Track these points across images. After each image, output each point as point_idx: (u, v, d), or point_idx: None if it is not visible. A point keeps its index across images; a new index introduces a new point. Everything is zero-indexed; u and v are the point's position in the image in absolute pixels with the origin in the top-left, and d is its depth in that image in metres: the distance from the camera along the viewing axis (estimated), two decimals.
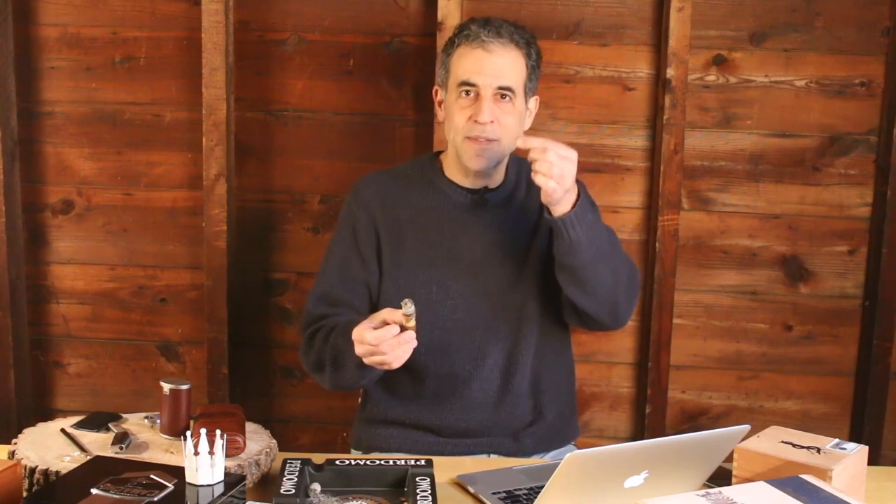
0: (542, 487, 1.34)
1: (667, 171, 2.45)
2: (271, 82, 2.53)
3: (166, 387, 1.62)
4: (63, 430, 1.63)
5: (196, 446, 1.35)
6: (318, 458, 1.57)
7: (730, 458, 1.50)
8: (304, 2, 2.49)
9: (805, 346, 2.57)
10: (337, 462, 1.55)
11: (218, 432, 1.38)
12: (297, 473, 1.49)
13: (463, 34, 1.86)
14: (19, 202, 2.55)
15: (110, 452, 1.53)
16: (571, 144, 2.53)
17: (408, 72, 2.50)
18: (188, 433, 1.38)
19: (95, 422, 1.66)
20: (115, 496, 1.31)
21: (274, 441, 1.65)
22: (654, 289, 2.49)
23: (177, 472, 1.38)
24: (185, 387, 1.63)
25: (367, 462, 1.56)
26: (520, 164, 1.98)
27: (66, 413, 2.33)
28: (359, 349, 1.67)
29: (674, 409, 2.59)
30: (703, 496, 1.31)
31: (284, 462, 1.53)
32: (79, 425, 1.66)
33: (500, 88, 1.81)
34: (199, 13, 2.42)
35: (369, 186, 1.96)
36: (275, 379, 2.65)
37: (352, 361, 1.74)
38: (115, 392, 2.66)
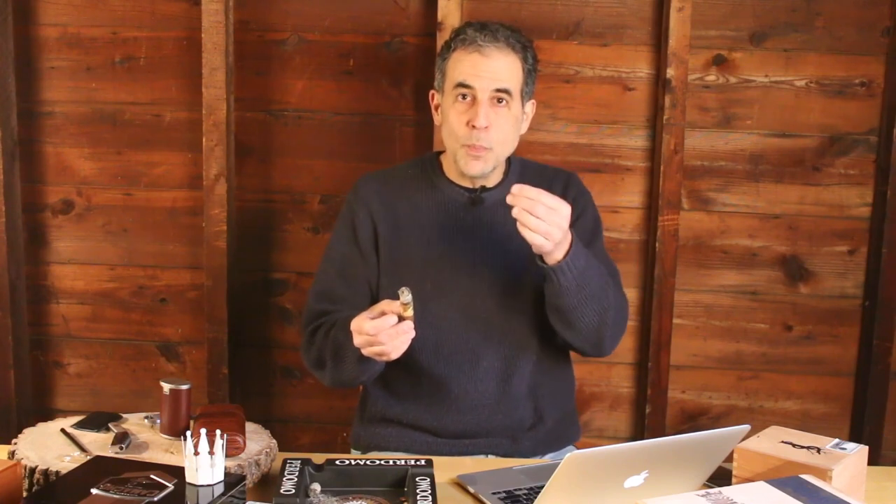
0: (542, 487, 1.34)
1: (667, 171, 2.45)
2: (271, 82, 2.53)
3: (166, 387, 1.62)
4: (63, 430, 1.63)
5: (196, 446, 1.35)
6: (318, 458, 1.57)
7: (730, 458, 1.50)
8: (304, 2, 2.49)
9: (805, 346, 2.57)
10: (337, 462, 1.55)
11: (218, 432, 1.38)
12: (297, 473, 1.49)
13: (459, 38, 1.85)
14: (19, 202, 2.55)
15: (110, 452, 1.53)
16: (571, 144, 2.56)
17: (408, 72, 2.50)
18: (188, 433, 1.37)
19: (95, 422, 1.66)
20: (115, 496, 1.31)
21: (274, 441, 1.65)
22: (654, 289, 2.49)
23: (177, 472, 1.38)
24: (185, 387, 1.63)
25: (367, 462, 1.56)
26: (523, 165, 1.98)
27: (66, 413, 2.33)
28: (357, 340, 1.67)
29: (674, 409, 2.59)
30: (703, 496, 1.31)
31: (284, 462, 1.53)
32: (79, 425, 1.66)
33: (497, 91, 1.81)
34: (199, 13, 2.42)
35: (368, 184, 1.97)
36: (275, 379, 2.65)
37: (352, 355, 1.74)
38: (115, 392, 2.66)
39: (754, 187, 2.51)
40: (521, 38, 1.86)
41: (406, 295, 1.61)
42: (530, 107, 1.92)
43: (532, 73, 1.88)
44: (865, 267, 2.53)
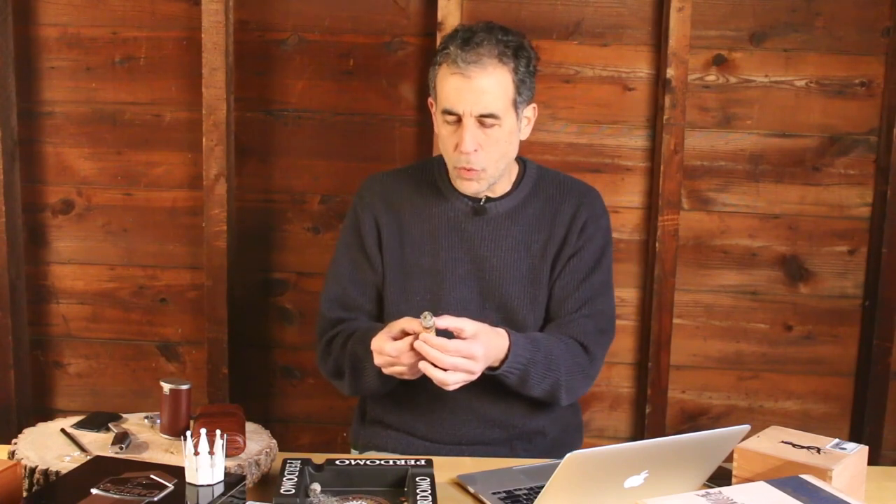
0: (542, 487, 1.34)
1: (667, 171, 2.45)
2: (271, 82, 2.53)
3: (166, 387, 1.62)
4: (63, 430, 1.63)
5: (196, 446, 1.35)
6: (318, 458, 1.57)
7: (730, 458, 1.50)
8: (304, 2, 2.49)
9: (805, 346, 2.57)
10: (337, 462, 1.55)
11: (218, 432, 1.38)
12: (297, 473, 1.49)
13: (444, 52, 1.77)
14: (19, 202, 2.55)
15: (110, 452, 1.53)
16: (571, 144, 2.56)
17: (408, 72, 2.50)
18: (188, 433, 1.37)
19: (95, 422, 1.66)
20: (115, 496, 1.31)
21: (274, 441, 1.65)
22: (654, 289, 2.49)
23: (177, 472, 1.38)
24: (185, 387, 1.63)
25: (367, 462, 1.56)
26: (539, 173, 1.93)
27: (66, 413, 2.33)
28: (378, 359, 1.69)
29: (674, 409, 2.59)
30: (703, 496, 1.31)
31: (284, 462, 1.53)
32: (79, 425, 1.66)
33: (482, 116, 1.74)
34: (199, 13, 2.42)
35: (372, 187, 1.95)
36: (275, 379, 2.65)
37: (371, 370, 1.75)
38: (115, 392, 2.66)
39: (754, 187, 2.51)
40: (513, 43, 1.76)
41: (429, 319, 1.62)
42: (531, 111, 1.84)
43: (527, 79, 1.78)
44: (865, 267, 2.53)
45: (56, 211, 2.60)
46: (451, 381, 1.65)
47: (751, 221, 2.53)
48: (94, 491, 1.32)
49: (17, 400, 2.56)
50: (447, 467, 1.66)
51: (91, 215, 2.59)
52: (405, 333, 1.67)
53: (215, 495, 1.34)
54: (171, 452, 1.57)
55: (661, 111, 2.45)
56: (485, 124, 1.75)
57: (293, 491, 1.43)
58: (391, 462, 1.57)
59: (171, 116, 2.54)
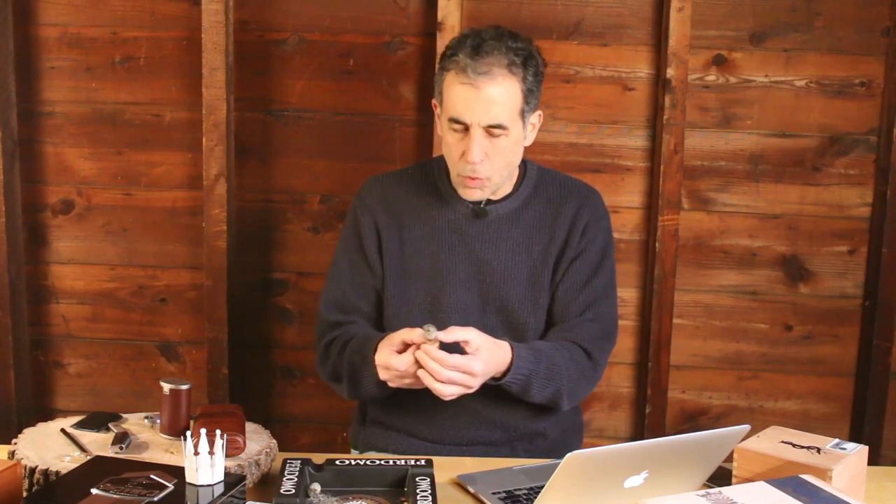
0: (542, 487, 1.34)
1: (667, 171, 2.45)
2: (271, 82, 2.53)
3: (166, 387, 1.62)
4: (63, 430, 1.63)
5: (196, 446, 1.35)
6: (318, 458, 1.57)
7: (730, 458, 1.50)
8: (304, 2, 2.49)
9: (805, 346, 2.57)
10: (337, 462, 1.55)
11: (218, 432, 1.38)
12: (297, 473, 1.49)
13: (452, 59, 1.74)
14: (19, 202, 2.55)
15: (110, 452, 1.53)
16: (571, 144, 2.56)
17: (408, 72, 2.50)
18: (188, 433, 1.37)
19: (95, 422, 1.66)
20: (115, 496, 1.31)
21: (274, 441, 1.65)
22: (654, 289, 2.49)
23: (177, 472, 1.38)
24: (185, 387, 1.63)
25: (367, 462, 1.56)
26: (540, 175, 1.92)
27: (66, 413, 2.33)
28: (384, 374, 1.70)
29: (674, 409, 2.59)
30: (703, 496, 1.31)
31: (284, 462, 1.53)
32: (79, 425, 1.65)
33: (490, 126, 1.73)
34: (199, 13, 2.42)
35: (372, 190, 1.93)
36: (275, 379, 2.65)
37: (369, 379, 1.76)
38: (115, 392, 2.66)
39: (754, 187, 2.51)
40: (523, 52, 1.74)
41: (431, 331, 1.63)
42: (536, 117, 1.83)
43: (534, 89, 1.77)
44: (865, 267, 2.53)
45: (56, 211, 2.60)
46: (448, 392, 1.66)
47: (751, 221, 2.53)
48: (94, 491, 1.32)
49: (17, 400, 2.56)
50: (447, 467, 1.66)
51: (91, 215, 2.59)
52: (405, 344, 1.68)
53: (215, 495, 1.34)
54: (171, 452, 1.57)
55: (661, 111, 2.45)
56: (492, 134, 1.74)
57: (293, 491, 1.43)
58: (391, 462, 1.57)
59: (171, 116, 2.54)
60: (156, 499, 1.31)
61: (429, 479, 1.50)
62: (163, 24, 2.51)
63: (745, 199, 2.52)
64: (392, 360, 1.67)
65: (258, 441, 1.63)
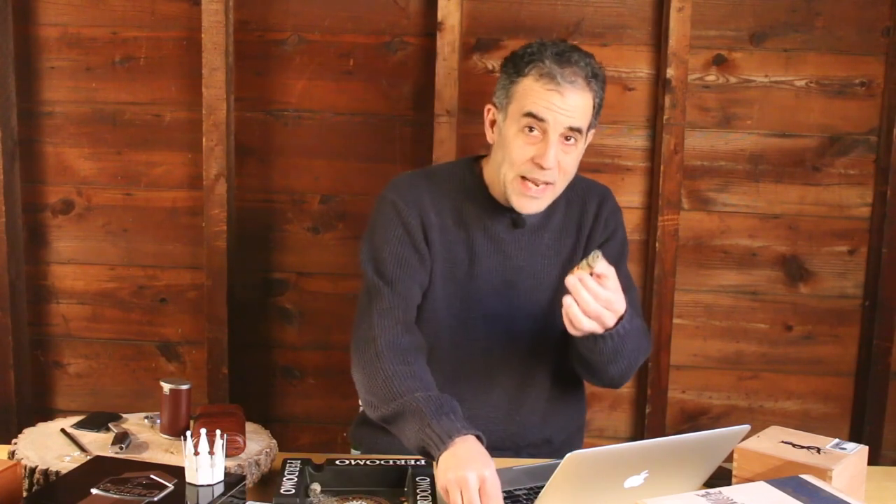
0: (542, 487, 1.34)
1: (667, 171, 2.45)
2: (271, 82, 2.53)
3: (166, 387, 1.62)
4: (63, 430, 1.63)
5: (196, 446, 1.35)
6: (318, 458, 1.57)
7: (730, 458, 1.50)
8: (304, 2, 2.49)
9: (805, 346, 2.57)
10: (337, 462, 1.55)
11: (218, 432, 1.38)
12: (297, 473, 1.49)
13: (534, 64, 1.72)
14: (19, 202, 2.55)
15: (110, 452, 1.53)
16: None
17: (408, 72, 2.50)
18: (188, 433, 1.38)
19: (95, 422, 1.66)
20: (115, 496, 1.31)
21: (274, 441, 1.65)
22: (654, 289, 2.49)
23: (177, 472, 1.38)
24: (185, 387, 1.63)
25: (367, 462, 1.56)
26: None
27: (66, 413, 2.32)
28: (451, 496, 1.42)
29: (674, 409, 2.59)
30: (703, 496, 1.31)
31: (284, 462, 1.53)
32: (79, 425, 1.66)
33: (570, 129, 1.71)
34: (199, 13, 2.42)
35: (411, 186, 1.85)
36: (275, 379, 2.65)
37: (419, 434, 1.55)
38: (115, 392, 2.66)
39: (754, 187, 2.51)
40: (598, 69, 1.77)
41: (598, 259, 1.56)
42: (590, 135, 1.83)
43: (601, 105, 1.79)
44: (865, 267, 2.53)
45: (56, 211, 2.60)
46: (587, 327, 1.59)
47: (751, 221, 2.53)
48: (94, 491, 1.32)
49: (17, 400, 2.56)
50: None
51: (91, 215, 2.59)
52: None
53: (215, 495, 1.34)
54: (171, 452, 1.57)
55: (661, 111, 2.45)
56: (566, 142, 1.73)
57: (293, 491, 1.43)
58: (391, 462, 1.57)
59: (171, 116, 2.54)
60: (156, 499, 1.31)
61: (429, 479, 1.50)
62: (163, 24, 2.51)
63: (745, 199, 2.52)
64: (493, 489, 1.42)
65: (258, 441, 1.63)
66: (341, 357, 2.56)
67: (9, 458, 1.52)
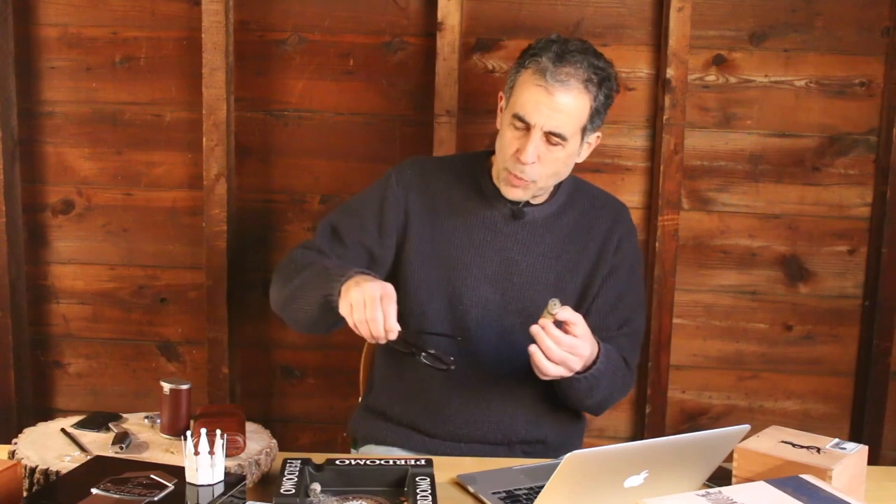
0: (542, 487, 1.34)
1: (667, 171, 2.45)
2: (271, 82, 2.53)
3: (166, 387, 1.62)
4: (63, 430, 1.63)
5: (196, 446, 1.35)
6: (318, 458, 1.57)
7: (730, 458, 1.50)
8: (304, 2, 2.49)
9: (805, 345, 2.57)
10: (337, 462, 1.55)
11: (218, 432, 1.38)
12: (297, 473, 1.49)
13: (534, 58, 1.75)
14: (19, 202, 2.55)
15: (110, 452, 1.53)
16: None
17: (408, 72, 2.50)
18: (188, 433, 1.38)
19: (95, 422, 1.66)
20: (115, 496, 1.31)
21: (274, 441, 1.65)
22: (654, 289, 2.49)
23: (177, 472, 1.38)
24: (185, 387, 1.63)
25: (367, 462, 1.56)
26: (575, 185, 1.93)
27: (66, 413, 2.32)
28: (356, 297, 1.60)
29: (674, 409, 2.59)
30: (703, 496, 1.31)
31: (284, 462, 1.54)
32: (79, 425, 1.66)
33: (550, 133, 1.74)
34: (199, 13, 2.42)
35: (415, 168, 1.92)
36: (275, 379, 2.65)
37: (324, 289, 1.68)
38: (115, 392, 2.66)
39: (754, 187, 2.51)
40: (602, 73, 1.77)
41: (556, 307, 1.62)
42: (594, 138, 1.85)
43: (602, 110, 1.79)
44: (865, 267, 2.53)
45: (56, 211, 2.60)
46: (553, 372, 1.65)
47: (751, 221, 2.53)
48: (94, 491, 1.33)
49: (17, 400, 2.56)
50: (447, 467, 1.66)
51: (91, 215, 2.59)
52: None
53: (215, 495, 1.34)
54: (171, 452, 1.57)
55: (661, 111, 2.45)
56: (550, 141, 1.75)
57: (293, 491, 1.43)
58: (391, 462, 1.57)
59: (171, 116, 2.54)
60: (156, 499, 1.31)
61: (429, 479, 1.50)
62: (163, 24, 2.51)
63: (744, 199, 2.52)
64: (391, 310, 1.60)
65: (258, 441, 1.63)
66: (341, 357, 2.57)
67: (9, 457, 1.52)
